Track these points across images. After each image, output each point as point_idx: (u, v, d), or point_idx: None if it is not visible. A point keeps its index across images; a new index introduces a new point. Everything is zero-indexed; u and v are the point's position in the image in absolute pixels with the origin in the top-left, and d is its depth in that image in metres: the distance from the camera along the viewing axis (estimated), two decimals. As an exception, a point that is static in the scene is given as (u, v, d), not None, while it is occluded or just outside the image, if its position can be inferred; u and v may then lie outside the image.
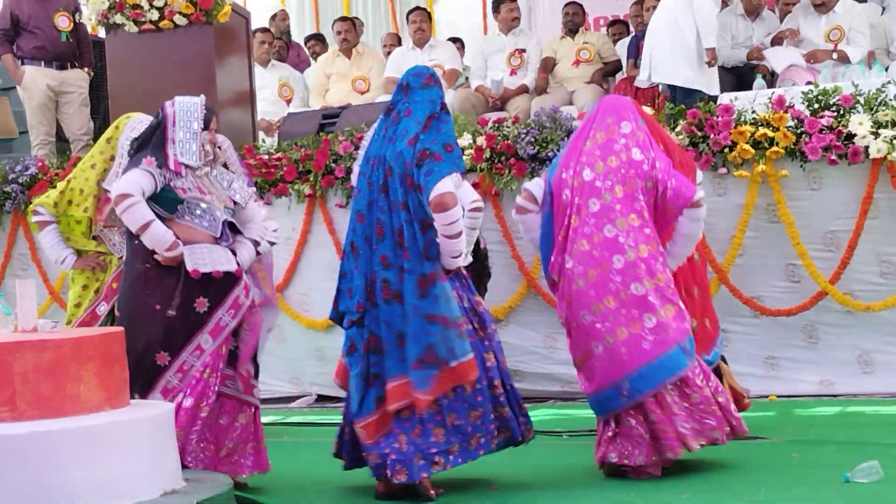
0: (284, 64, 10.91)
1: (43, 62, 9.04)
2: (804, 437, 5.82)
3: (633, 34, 10.25)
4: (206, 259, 5.04)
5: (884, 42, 9.08)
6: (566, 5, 10.53)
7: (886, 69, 8.05)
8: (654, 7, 8.78)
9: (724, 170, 7.18)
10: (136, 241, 5.03)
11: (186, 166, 5.10)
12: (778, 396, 7.14)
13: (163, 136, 5.15)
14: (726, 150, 7.14)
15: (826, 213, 7.09)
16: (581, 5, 10.47)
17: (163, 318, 4.96)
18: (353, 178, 5.13)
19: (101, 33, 8.92)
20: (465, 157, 7.67)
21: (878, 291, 7.05)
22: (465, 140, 7.75)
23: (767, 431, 5.87)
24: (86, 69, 9.30)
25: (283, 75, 10.48)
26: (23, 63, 9.05)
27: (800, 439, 5.77)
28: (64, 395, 4.17)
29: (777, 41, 8.88)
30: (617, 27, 11.19)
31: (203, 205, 5.12)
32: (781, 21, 9.30)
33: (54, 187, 8.36)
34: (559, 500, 4.86)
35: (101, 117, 9.40)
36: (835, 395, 7.08)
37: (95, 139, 9.14)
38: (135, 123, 5.79)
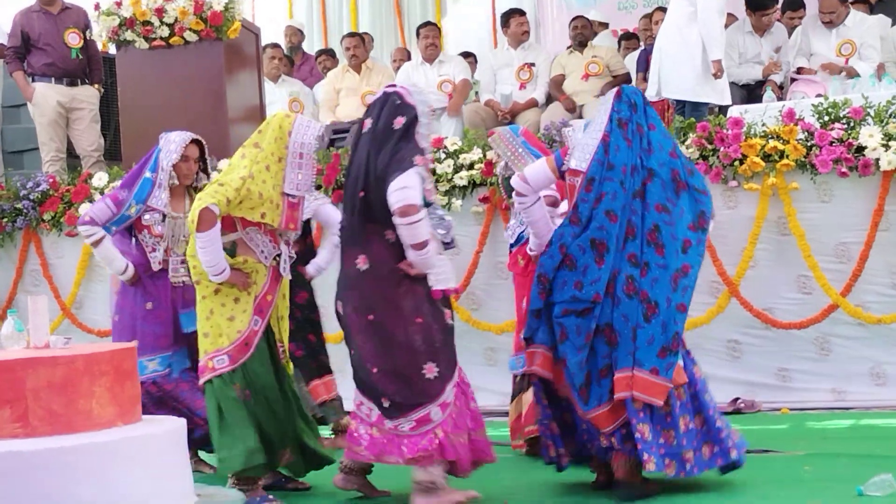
0: (294, 79, 10.94)
1: (53, 79, 9.07)
2: (817, 451, 5.80)
3: (643, 47, 10.26)
4: (450, 275, 5.00)
5: (893, 54, 9.07)
6: (574, 19, 10.55)
7: (896, 81, 8.05)
8: (662, 21, 8.79)
9: (734, 183, 7.17)
10: (388, 249, 4.81)
11: None
12: (790, 409, 7.12)
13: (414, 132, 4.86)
14: (736, 162, 7.14)
15: (837, 226, 7.08)
16: (588, 19, 10.48)
17: (430, 329, 4.83)
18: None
19: (112, 50, 8.95)
20: (474, 172, 7.69)
21: (890, 303, 7.03)
22: (474, 154, 7.76)
23: (780, 445, 5.86)
24: (96, 86, 9.32)
25: (294, 90, 10.51)
26: (33, 80, 9.08)
27: (812, 452, 5.74)
28: (76, 410, 4.18)
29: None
30: (631, 42, 11.18)
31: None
32: (790, 35, 9.29)
33: (68, 203, 8.45)
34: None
35: (112, 134, 9.42)
36: (847, 408, 7.06)
37: (106, 155, 9.21)
38: (303, 126, 5.26)
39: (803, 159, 7.02)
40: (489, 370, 7.60)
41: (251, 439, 4.93)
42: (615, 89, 5.29)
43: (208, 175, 6.09)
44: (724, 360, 7.34)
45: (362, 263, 4.83)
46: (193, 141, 5.95)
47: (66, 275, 8.60)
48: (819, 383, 7.21)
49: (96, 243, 5.87)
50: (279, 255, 5.17)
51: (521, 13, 10.29)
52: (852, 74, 8.36)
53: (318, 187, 7.57)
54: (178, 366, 5.87)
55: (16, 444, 4.06)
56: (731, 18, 9.48)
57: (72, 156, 9.30)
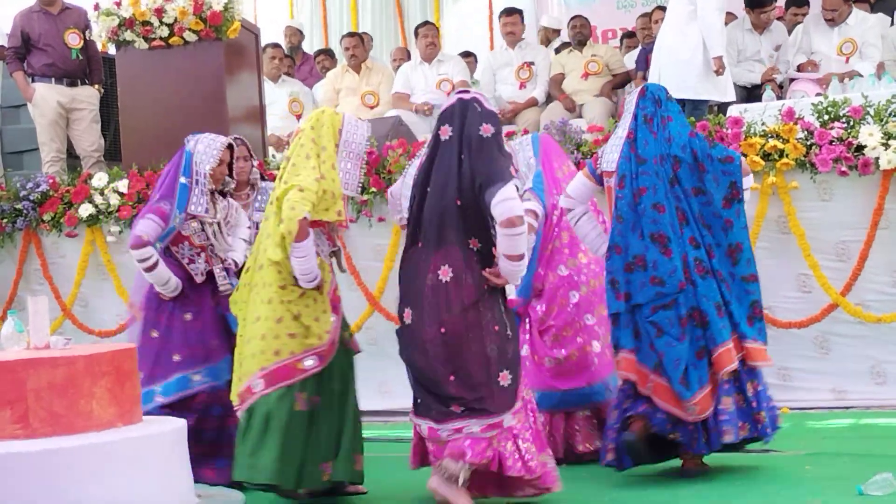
0: (294, 79, 10.94)
1: (53, 79, 9.06)
2: (817, 450, 5.81)
3: (642, 46, 10.26)
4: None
5: (893, 53, 9.07)
6: (572, 18, 10.56)
7: (896, 80, 8.05)
8: (662, 20, 8.79)
9: (734, 182, 7.17)
10: (472, 258, 4.76)
11: None
12: (790, 409, 7.12)
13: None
14: (736, 161, 7.13)
15: (837, 225, 7.08)
16: (587, 18, 10.48)
17: (505, 338, 4.83)
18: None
19: (112, 50, 8.94)
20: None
21: (891, 302, 7.03)
22: (474, 154, 7.75)
23: (780, 444, 5.85)
24: (96, 86, 9.32)
25: (294, 91, 10.51)
26: (33, 80, 9.07)
27: (813, 452, 5.75)
28: (77, 411, 4.19)
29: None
30: (631, 40, 11.18)
31: None
32: (790, 33, 9.29)
33: (68, 203, 8.45)
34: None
35: (112, 134, 9.42)
36: (847, 407, 7.06)
37: (106, 156, 9.20)
38: (352, 124, 5.20)
39: (803, 158, 7.02)
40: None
41: (296, 455, 4.90)
42: (639, 88, 5.50)
43: (233, 178, 5.97)
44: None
45: (445, 274, 4.73)
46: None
47: (67, 275, 8.59)
48: (819, 382, 7.22)
49: (151, 268, 5.55)
50: (336, 252, 5.17)
51: (510, 13, 10.27)
52: (852, 77, 8.35)
53: None
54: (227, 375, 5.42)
55: (16, 444, 4.06)
56: (731, 17, 9.47)
57: (72, 156, 9.30)
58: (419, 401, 4.90)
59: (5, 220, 8.69)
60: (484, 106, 4.85)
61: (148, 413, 4.98)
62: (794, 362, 7.27)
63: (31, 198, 8.58)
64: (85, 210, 8.34)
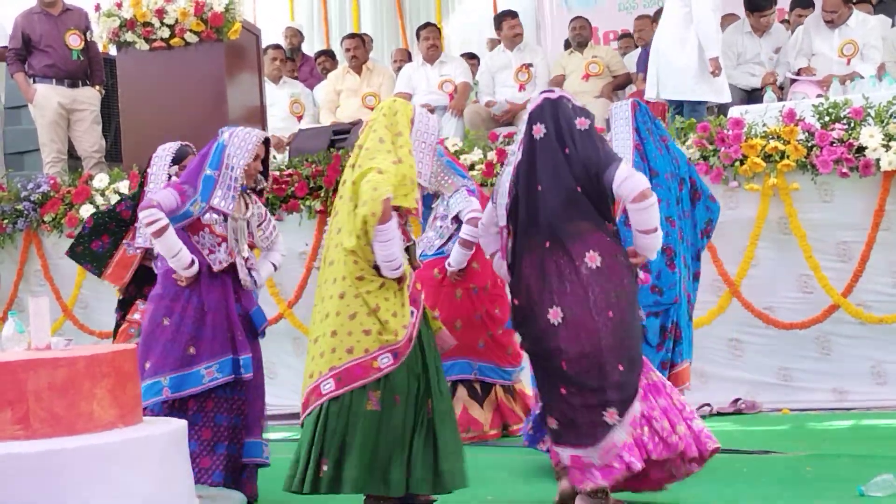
0: (295, 80, 10.94)
1: (54, 80, 9.07)
2: (818, 451, 5.80)
3: (643, 47, 10.26)
4: None
5: (894, 55, 9.06)
6: (573, 20, 10.56)
7: (897, 81, 8.05)
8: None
9: (735, 183, 7.18)
10: (613, 240, 4.73)
11: None
12: (791, 409, 7.13)
13: None
14: (737, 163, 7.14)
15: (838, 226, 7.09)
16: (587, 19, 10.49)
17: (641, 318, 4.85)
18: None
19: (113, 51, 8.95)
20: (475, 173, 7.69)
21: (891, 303, 7.04)
22: (475, 155, 7.77)
23: (781, 445, 5.86)
24: (97, 87, 9.33)
25: (295, 92, 10.51)
26: (34, 81, 9.09)
27: (814, 453, 5.75)
28: (77, 412, 4.18)
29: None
30: (626, 41, 11.19)
31: None
32: (792, 33, 9.28)
33: (69, 204, 8.45)
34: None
35: (113, 135, 9.43)
36: (848, 408, 7.06)
37: (107, 157, 9.21)
38: (423, 116, 5.01)
39: (804, 160, 7.02)
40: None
41: (378, 459, 4.59)
42: (631, 102, 5.46)
43: (267, 177, 5.60)
44: (725, 360, 7.36)
45: (593, 261, 4.61)
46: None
47: (68, 276, 8.60)
48: (820, 383, 7.22)
49: (160, 232, 5.07)
50: (409, 247, 4.86)
51: (513, 16, 10.28)
52: (853, 78, 8.34)
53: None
54: (247, 370, 5.21)
55: (16, 445, 4.05)
56: (733, 18, 9.47)
57: (73, 157, 9.31)
58: (558, 427, 4.70)
59: (6, 221, 8.70)
60: (573, 102, 4.88)
61: (148, 407, 4.94)
62: (795, 363, 7.28)
63: (32, 198, 8.59)
64: (86, 211, 8.34)
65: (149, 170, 6.18)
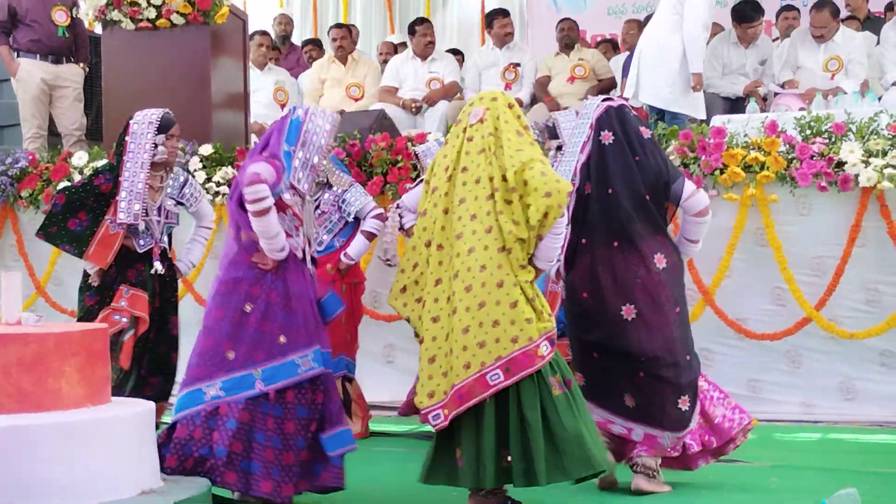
0: (281, 68, 10.92)
1: (38, 55, 9.03)
2: (784, 462, 5.83)
3: (629, 52, 10.27)
4: None
5: (878, 71, 9.12)
6: (561, 21, 10.57)
7: (880, 98, 8.08)
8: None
9: (714, 192, 7.18)
10: (672, 246, 5.19)
11: None
12: (759, 420, 7.13)
13: None
14: (717, 172, 7.15)
15: (814, 239, 7.11)
16: (575, 22, 10.50)
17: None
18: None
19: (98, 29, 8.92)
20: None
21: (863, 319, 7.07)
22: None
23: (747, 455, 5.87)
24: (81, 64, 9.29)
25: (280, 79, 10.49)
26: (18, 55, 9.04)
27: (779, 464, 5.78)
28: (45, 389, 4.16)
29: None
30: (604, 46, 11.20)
31: None
32: (783, 37, 9.30)
33: (46, 180, 8.41)
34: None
35: (95, 113, 9.39)
36: (816, 422, 7.09)
37: (88, 135, 9.17)
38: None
39: (784, 171, 7.04)
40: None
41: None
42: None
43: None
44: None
45: (661, 262, 5.07)
46: None
47: (42, 253, 8.54)
48: (789, 395, 7.24)
49: (265, 211, 4.64)
50: None
51: (505, 14, 10.29)
52: (836, 93, 8.38)
53: None
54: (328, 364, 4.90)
55: (-18, 420, 4.04)
56: (717, 28, 9.49)
57: (53, 134, 9.27)
58: (634, 406, 5.09)
59: (-18, 196, 8.65)
60: (633, 110, 5.26)
61: (231, 401, 4.65)
62: (764, 374, 7.29)
63: (10, 173, 8.54)
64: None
65: (127, 138, 6.03)
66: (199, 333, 4.83)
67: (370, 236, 6.75)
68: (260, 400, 4.69)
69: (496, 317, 4.48)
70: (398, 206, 5.53)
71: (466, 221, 4.60)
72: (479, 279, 4.52)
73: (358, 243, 6.71)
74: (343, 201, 6.75)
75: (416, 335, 4.81)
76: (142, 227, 6.06)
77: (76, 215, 6.11)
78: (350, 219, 6.76)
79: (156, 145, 5.96)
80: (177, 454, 4.67)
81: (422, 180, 5.16)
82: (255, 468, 4.66)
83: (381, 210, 6.78)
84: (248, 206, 4.65)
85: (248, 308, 4.75)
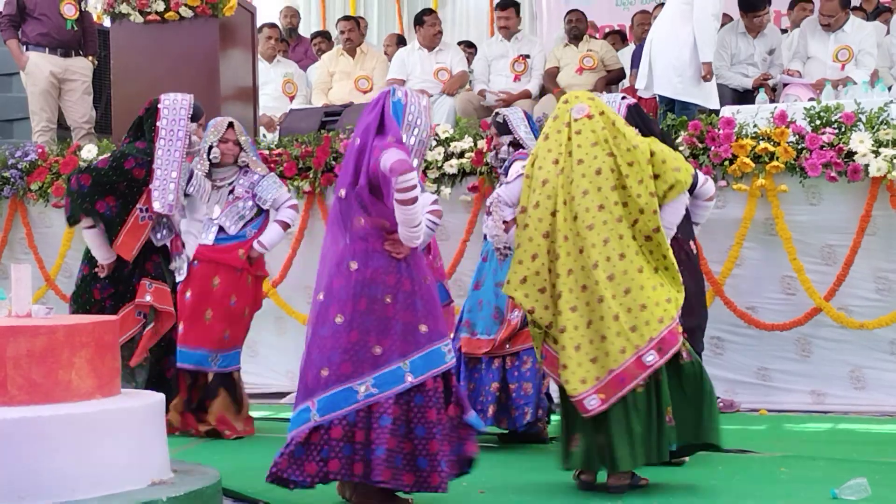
0: (289, 60, 10.92)
1: (47, 49, 9.04)
2: (794, 453, 5.82)
3: (639, 43, 10.25)
4: None
5: (888, 61, 9.08)
6: (569, 13, 10.53)
7: (889, 88, 8.06)
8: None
9: (723, 182, 7.18)
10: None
11: None
12: (769, 410, 7.15)
13: None
14: (726, 162, 7.15)
15: (824, 229, 7.11)
16: (584, 13, 10.48)
17: None
18: None
19: (107, 22, 8.93)
20: (465, 161, 7.69)
21: (873, 308, 7.07)
22: (465, 143, 7.76)
23: (757, 445, 5.87)
24: (90, 57, 9.30)
25: (288, 72, 10.49)
26: (27, 49, 9.05)
27: (789, 454, 5.76)
28: (55, 381, 4.17)
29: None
30: (612, 37, 11.18)
31: None
32: (793, 28, 9.26)
33: (56, 173, 8.42)
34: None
35: (104, 106, 9.40)
36: (826, 411, 7.09)
37: (97, 128, 9.18)
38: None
39: (793, 162, 7.03)
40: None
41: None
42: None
43: None
44: (706, 358, 7.28)
45: (691, 247, 5.80)
46: None
47: (52, 245, 8.58)
48: (799, 385, 7.25)
49: (415, 200, 4.45)
50: None
51: (504, 7, 10.24)
52: (846, 83, 8.35)
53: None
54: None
55: (-7, 411, 4.05)
56: (726, 18, 9.46)
57: (62, 127, 9.28)
58: None
59: (-8, 188, 8.67)
60: (642, 101, 5.69)
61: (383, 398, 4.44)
62: (774, 364, 7.30)
63: (20, 167, 8.56)
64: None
65: (158, 123, 5.96)
66: (330, 327, 4.55)
67: (284, 226, 6.64)
68: (412, 392, 4.50)
69: (642, 301, 4.73)
70: (498, 199, 5.31)
71: (595, 212, 4.77)
72: (621, 267, 4.74)
73: (271, 232, 6.57)
74: (258, 190, 6.52)
75: (535, 324, 4.90)
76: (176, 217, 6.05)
77: (104, 198, 6.04)
78: (265, 207, 6.57)
79: (188, 134, 5.93)
80: (335, 457, 4.43)
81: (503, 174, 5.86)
82: (422, 464, 4.46)
83: (295, 201, 6.74)
84: (399, 195, 4.43)
85: (388, 300, 4.54)
